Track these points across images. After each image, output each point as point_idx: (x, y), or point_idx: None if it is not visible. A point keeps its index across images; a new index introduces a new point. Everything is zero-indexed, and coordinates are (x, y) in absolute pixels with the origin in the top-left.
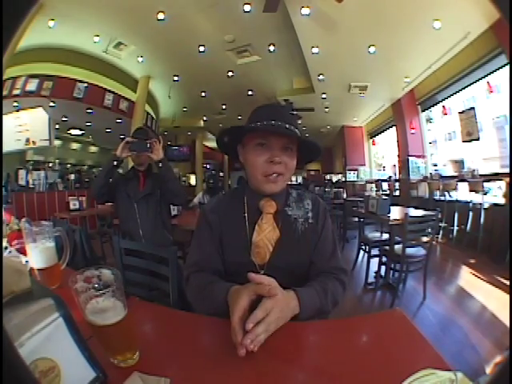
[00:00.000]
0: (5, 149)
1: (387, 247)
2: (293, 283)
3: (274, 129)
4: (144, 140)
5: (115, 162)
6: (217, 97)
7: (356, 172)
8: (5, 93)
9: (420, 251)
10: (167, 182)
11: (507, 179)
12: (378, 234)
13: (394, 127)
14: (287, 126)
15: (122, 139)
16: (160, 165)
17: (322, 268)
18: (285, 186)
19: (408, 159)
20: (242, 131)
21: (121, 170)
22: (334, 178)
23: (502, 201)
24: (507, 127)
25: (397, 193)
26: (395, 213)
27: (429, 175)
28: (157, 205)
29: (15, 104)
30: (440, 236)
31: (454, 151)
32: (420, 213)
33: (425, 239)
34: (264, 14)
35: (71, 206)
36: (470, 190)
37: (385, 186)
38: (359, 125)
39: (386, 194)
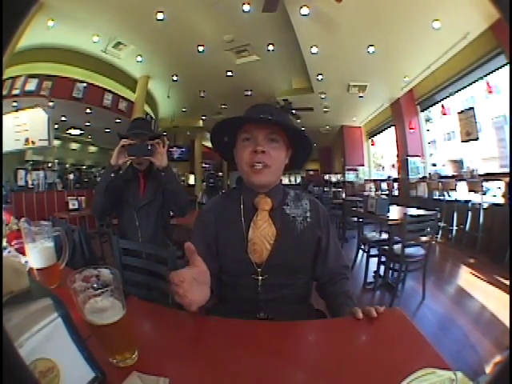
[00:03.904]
0: (4, 149)
1: (386, 247)
2: (292, 281)
3: (254, 118)
4: (144, 141)
5: (113, 174)
6: (216, 97)
7: (355, 172)
8: (4, 92)
9: (419, 251)
10: (170, 194)
11: (506, 179)
12: (377, 234)
13: (393, 127)
14: (270, 117)
15: (120, 136)
16: (163, 174)
17: (332, 268)
18: (276, 182)
19: (407, 159)
20: (224, 126)
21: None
22: (333, 178)
23: (501, 201)
24: (506, 127)
25: (396, 193)
26: (394, 213)
27: (428, 175)
28: (158, 211)
29: (14, 104)
30: (439, 236)
31: (453, 151)
32: (419, 212)
33: (424, 239)
34: (263, 13)
35: (70, 206)
36: (469, 190)
37: (384, 185)
38: (358, 125)
39: (385, 194)
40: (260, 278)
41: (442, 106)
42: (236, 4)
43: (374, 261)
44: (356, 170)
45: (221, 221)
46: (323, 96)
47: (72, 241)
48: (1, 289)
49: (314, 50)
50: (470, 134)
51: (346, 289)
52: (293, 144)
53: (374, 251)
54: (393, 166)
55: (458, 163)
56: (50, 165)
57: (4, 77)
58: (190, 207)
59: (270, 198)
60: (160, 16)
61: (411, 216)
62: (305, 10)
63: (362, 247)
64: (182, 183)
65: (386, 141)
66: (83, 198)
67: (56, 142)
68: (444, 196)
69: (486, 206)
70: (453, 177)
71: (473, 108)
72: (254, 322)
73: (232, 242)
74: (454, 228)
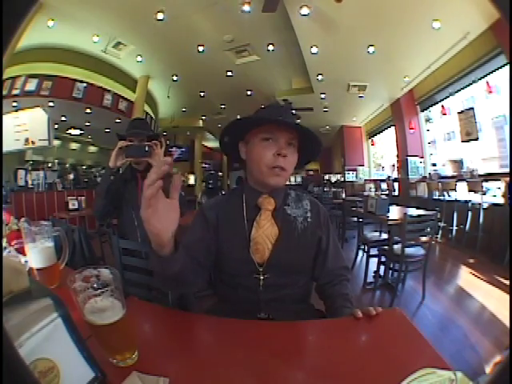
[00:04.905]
0: (4, 149)
1: (386, 247)
2: (292, 281)
3: (285, 122)
4: (142, 140)
5: (112, 176)
6: (216, 97)
7: (355, 172)
8: (4, 92)
9: (419, 251)
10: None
11: (506, 179)
12: (377, 234)
13: (393, 127)
14: (296, 123)
15: (119, 136)
16: None
17: (331, 268)
18: (284, 184)
19: (407, 159)
20: (249, 122)
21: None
22: (333, 178)
23: (501, 201)
24: (506, 127)
25: (396, 193)
26: (394, 213)
27: (428, 175)
28: None
29: (14, 104)
30: (439, 236)
31: (453, 151)
32: (419, 213)
33: (424, 239)
34: (263, 13)
35: (70, 206)
36: (469, 190)
37: (384, 185)
38: (358, 125)
39: (385, 194)
40: (261, 277)
41: (442, 106)
42: (236, 4)
43: (373, 261)
44: (356, 169)
45: (223, 220)
46: (323, 96)
47: (72, 241)
48: (1, 289)
49: (314, 50)
50: (470, 134)
51: (346, 291)
52: (301, 147)
53: (373, 251)
54: (393, 165)
55: (458, 163)
56: (49, 165)
57: (4, 77)
58: (190, 207)
59: (273, 199)
60: (160, 16)
61: (411, 216)
62: (305, 10)
63: (362, 247)
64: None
65: (386, 141)
66: (83, 197)
67: (56, 142)
68: (444, 196)
69: (485, 205)
70: (453, 177)
71: (473, 108)
72: (255, 321)
73: (234, 242)
74: (454, 228)
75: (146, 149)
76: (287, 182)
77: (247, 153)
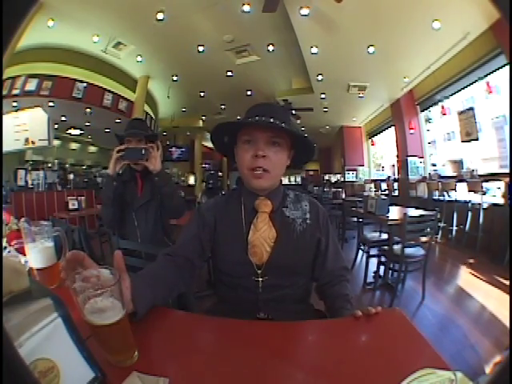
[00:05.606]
0: (4, 149)
1: (386, 247)
2: (292, 282)
3: (256, 122)
4: (140, 141)
5: (115, 182)
6: (216, 97)
7: (355, 172)
8: (4, 92)
9: (419, 251)
10: (164, 197)
11: (506, 179)
12: (376, 234)
13: (393, 127)
14: (272, 120)
15: (118, 136)
16: (156, 178)
17: (331, 269)
18: (277, 184)
19: (407, 159)
20: (225, 128)
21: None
22: (333, 178)
23: (501, 201)
24: (506, 127)
25: (396, 193)
26: (394, 213)
27: (428, 175)
28: (157, 211)
29: (14, 104)
30: (439, 236)
31: (453, 151)
32: (419, 213)
33: (424, 239)
34: (263, 13)
35: (70, 206)
36: (469, 190)
37: (384, 186)
38: (358, 125)
39: (385, 194)
40: (260, 279)
41: (442, 107)
42: (236, 4)
43: (373, 261)
44: (356, 170)
45: (221, 222)
46: (323, 96)
47: (72, 241)
48: (1, 289)
49: (314, 50)
50: (469, 134)
51: (345, 292)
52: (295, 145)
53: (373, 251)
54: (393, 166)
55: (458, 163)
56: (49, 165)
57: (4, 77)
58: (190, 207)
59: (270, 201)
60: (160, 16)
61: (411, 216)
62: (305, 11)
63: (362, 247)
64: (176, 185)
65: (386, 141)
66: (83, 198)
67: (56, 142)
68: (444, 196)
69: (485, 206)
70: (453, 177)
71: (473, 108)
72: (254, 322)
73: (232, 244)
74: (454, 228)
75: (143, 152)
76: (286, 182)
77: (235, 156)
